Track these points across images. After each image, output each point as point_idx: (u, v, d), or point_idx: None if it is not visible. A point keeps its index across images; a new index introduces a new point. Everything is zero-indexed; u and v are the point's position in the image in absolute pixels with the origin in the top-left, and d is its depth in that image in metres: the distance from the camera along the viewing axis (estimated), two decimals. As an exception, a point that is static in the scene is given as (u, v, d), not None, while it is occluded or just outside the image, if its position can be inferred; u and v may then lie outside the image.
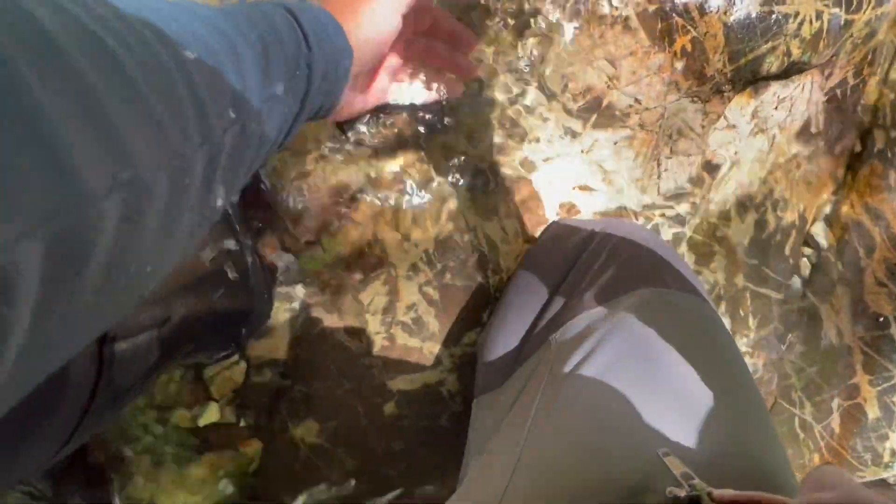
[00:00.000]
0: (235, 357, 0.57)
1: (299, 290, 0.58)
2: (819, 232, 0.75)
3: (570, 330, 0.50)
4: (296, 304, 0.58)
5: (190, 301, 0.46)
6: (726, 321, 0.72)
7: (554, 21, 0.57)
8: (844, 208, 0.74)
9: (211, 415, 0.57)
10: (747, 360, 0.75)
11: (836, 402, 0.80)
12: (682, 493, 0.29)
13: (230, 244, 0.52)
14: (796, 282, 0.77)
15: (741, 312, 0.72)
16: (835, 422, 0.80)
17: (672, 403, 0.41)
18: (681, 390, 0.42)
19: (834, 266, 0.77)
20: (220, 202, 0.27)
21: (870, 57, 0.67)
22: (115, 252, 0.19)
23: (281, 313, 0.58)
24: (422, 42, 0.50)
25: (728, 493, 0.27)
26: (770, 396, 0.78)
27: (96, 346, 0.35)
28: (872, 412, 0.81)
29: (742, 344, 0.74)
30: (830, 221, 0.75)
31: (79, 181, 0.17)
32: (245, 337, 0.56)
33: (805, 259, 0.77)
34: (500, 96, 0.58)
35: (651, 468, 0.34)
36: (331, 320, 0.59)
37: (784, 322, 0.76)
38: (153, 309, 0.41)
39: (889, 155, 0.72)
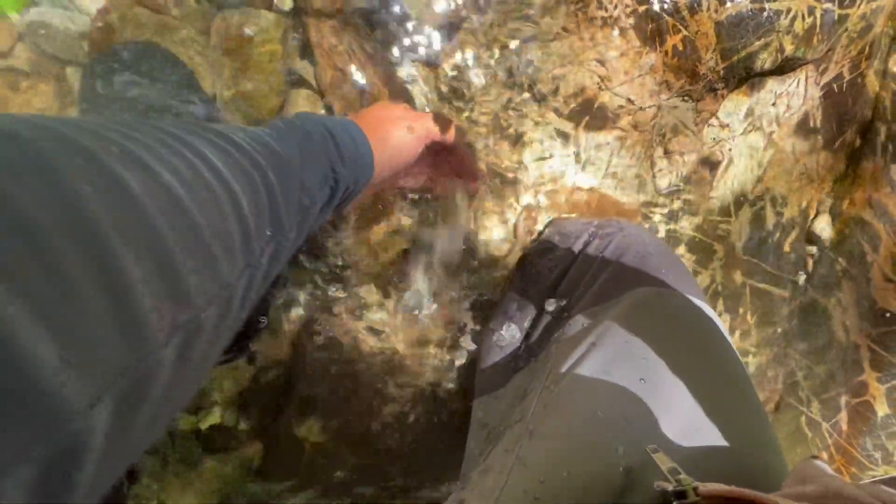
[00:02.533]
0: (241, 359, 0.59)
1: (300, 295, 0.60)
2: (821, 228, 0.74)
3: (570, 330, 0.50)
4: (298, 308, 0.60)
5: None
6: (726, 318, 0.72)
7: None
8: (845, 204, 0.73)
9: (212, 418, 0.59)
10: (750, 358, 0.75)
11: (843, 400, 0.78)
12: (669, 487, 0.29)
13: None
14: (800, 278, 0.76)
15: (741, 309, 0.72)
16: (843, 420, 0.79)
17: (663, 402, 0.41)
18: (672, 390, 0.42)
19: (838, 262, 0.76)
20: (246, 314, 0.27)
21: (867, 50, 0.66)
22: (167, 390, 0.19)
23: (284, 317, 0.60)
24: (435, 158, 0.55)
25: (713, 487, 0.28)
26: (775, 394, 0.77)
27: None
28: (882, 409, 0.80)
29: (744, 341, 0.74)
30: (832, 217, 0.74)
31: (147, 330, 0.17)
32: (245, 341, 0.57)
33: (808, 256, 0.76)
34: (494, 100, 0.59)
35: (640, 464, 0.35)
36: (331, 323, 0.61)
37: (788, 319, 0.76)
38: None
39: (891, 149, 0.71)
